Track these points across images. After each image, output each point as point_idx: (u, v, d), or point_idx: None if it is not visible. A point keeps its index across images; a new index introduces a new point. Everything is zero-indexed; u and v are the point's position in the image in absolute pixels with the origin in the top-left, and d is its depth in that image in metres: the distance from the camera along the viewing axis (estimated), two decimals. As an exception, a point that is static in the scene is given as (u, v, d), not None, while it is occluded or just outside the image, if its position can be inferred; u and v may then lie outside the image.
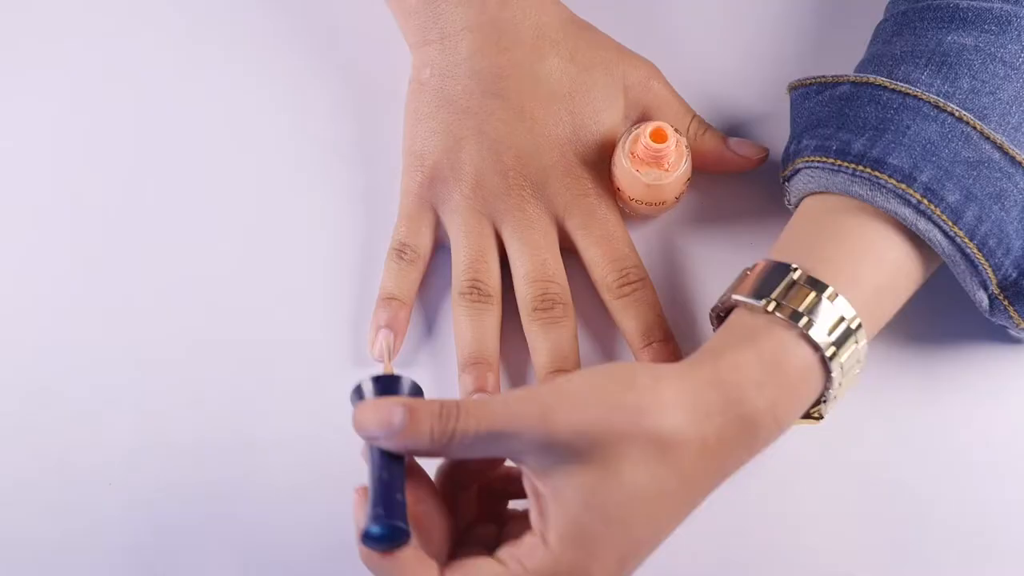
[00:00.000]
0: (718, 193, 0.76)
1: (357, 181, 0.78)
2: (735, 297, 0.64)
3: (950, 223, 0.63)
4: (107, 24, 0.81)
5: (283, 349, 0.74)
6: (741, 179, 0.76)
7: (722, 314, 0.66)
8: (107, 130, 0.79)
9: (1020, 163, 0.64)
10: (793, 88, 0.71)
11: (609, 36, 0.76)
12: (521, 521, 0.62)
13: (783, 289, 0.63)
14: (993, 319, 0.67)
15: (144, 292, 0.75)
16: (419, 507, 0.62)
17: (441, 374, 0.73)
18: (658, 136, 0.70)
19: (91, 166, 0.78)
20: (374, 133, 0.79)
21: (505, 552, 0.60)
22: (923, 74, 0.66)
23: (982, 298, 0.66)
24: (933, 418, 0.72)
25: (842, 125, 0.66)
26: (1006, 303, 0.66)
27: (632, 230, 0.75)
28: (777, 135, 0.75)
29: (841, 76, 0.68)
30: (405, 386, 0.63)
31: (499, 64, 0.73)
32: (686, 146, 0.71)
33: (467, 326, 0.71)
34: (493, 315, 0.72)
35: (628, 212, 0.75)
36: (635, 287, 0.72)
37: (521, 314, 0.72)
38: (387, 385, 0.63)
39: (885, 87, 0.66)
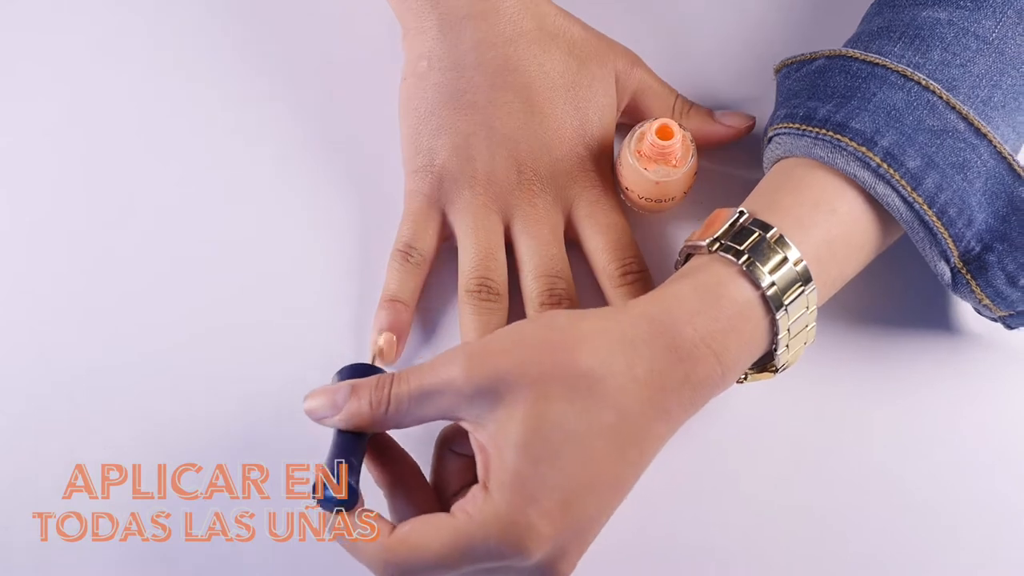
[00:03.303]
0: (719, 191, 0.76)
1: (358, 180, 0.77)
2: (685, 243, 0.65)
3: (909, 188, 0.63)
4: (108, 22, 0.81)
5: (285, 351, 0.73)
6: (742, 177, 0.76)
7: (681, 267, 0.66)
8: (107, 130, 0.78)
9: (985, 135, 0.64)
10: (778, 70, 0.71)
11: (591, 27, 0.76)
12: None
13: (726, 230, 0.63)
14: (957, 294, 0.66)
15: (144, 294, 0.74)
16: (389, 476, 0.64)
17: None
18: (664, 133, 0.70)
19: (92, 166, 0.77)
20: (371, 129, 0.77)
21: (456, 505, 0.60)
22: (896, 47, 0.66)
23: (944, 270, 0.65)
24: (928, 413, 0.71)
25: (812, 95, 0.66)
26: (968, 277, 0.65)
27: (633, 228, 0.74)
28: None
29: (818, 52, 0.68)
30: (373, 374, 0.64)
31: (506, 55, 0.72)
32: (691, 140, 0.71)
33: (474, 325, 0.70)
34: (500, 314, 0.71)
35: (636, 211, 0.74)
36: (636, 277, 0.71)
37: (526, 308, 0.71)
38: (355, 372, 0.65)
39: (856, 58, 0.66)
